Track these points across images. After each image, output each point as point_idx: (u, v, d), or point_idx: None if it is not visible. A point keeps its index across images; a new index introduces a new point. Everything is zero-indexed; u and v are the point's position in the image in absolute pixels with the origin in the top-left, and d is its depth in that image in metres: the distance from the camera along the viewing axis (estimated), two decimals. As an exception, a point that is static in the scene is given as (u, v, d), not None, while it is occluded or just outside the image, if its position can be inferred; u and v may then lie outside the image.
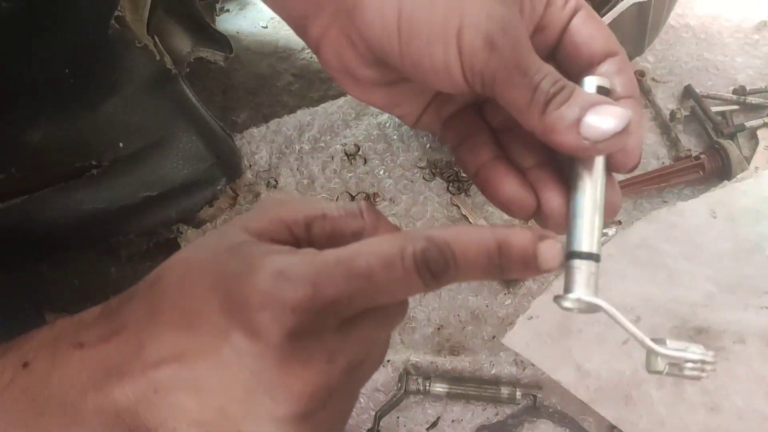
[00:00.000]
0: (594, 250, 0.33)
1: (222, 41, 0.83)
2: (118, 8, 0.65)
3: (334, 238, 0.34)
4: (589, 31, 0.37)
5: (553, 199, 0.36)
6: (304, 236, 0.34)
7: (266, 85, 1.01)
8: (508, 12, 0.34)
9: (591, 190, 0.34)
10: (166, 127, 0.71)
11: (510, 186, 0.37)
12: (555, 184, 0.36)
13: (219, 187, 0.77)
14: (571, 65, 0.38)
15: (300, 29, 0.39)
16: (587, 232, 0.33)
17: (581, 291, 0.33)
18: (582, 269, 0.33)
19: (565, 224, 0.35)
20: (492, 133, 0.40)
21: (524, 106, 0.33)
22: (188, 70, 0.75)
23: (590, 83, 0.35)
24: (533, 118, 0.33)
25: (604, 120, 0.32)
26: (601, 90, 0.35)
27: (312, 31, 0.38)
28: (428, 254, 0.30)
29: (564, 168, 0.37)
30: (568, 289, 0.33)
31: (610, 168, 0.36)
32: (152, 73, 0.69)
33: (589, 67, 0.37)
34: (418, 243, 0.30)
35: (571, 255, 0.34)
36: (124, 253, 0.84)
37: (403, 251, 0.30)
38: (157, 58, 0.68)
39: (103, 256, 0.85)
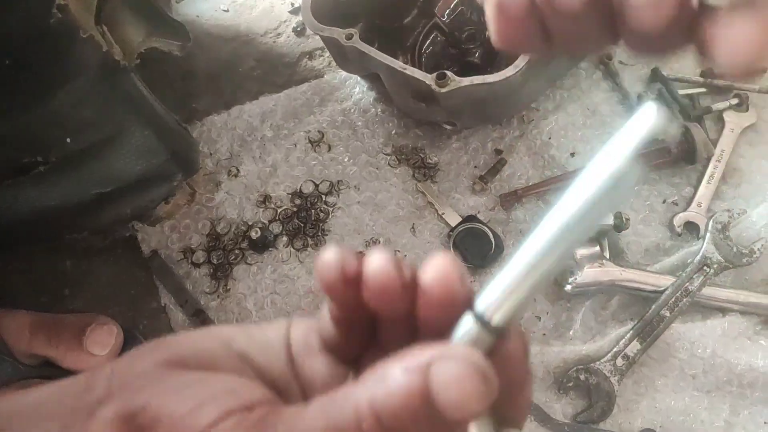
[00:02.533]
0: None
1: (179, 30, 0.80)
2: (61, -4, 0.62)
3: None
4: None
5: None
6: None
7: (228, 71, 0.99)
8: None
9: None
10: (117, 121, 0.68)
11: None
12: None
13: (175, 183, 0.75)
14: None
15: None
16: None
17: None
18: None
19: None
20: None
21: None
22: (138, 61, 0.72)
23: None
24: None
25: None
26: None
27: None
28: None
29: None
30: None
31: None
32: (99, 65, 0.66)
33: None
34: None
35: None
36: (79, 248, 0.82)
37: None
38: (104, 49, 0.65)
39: (58, 250, 0.84)
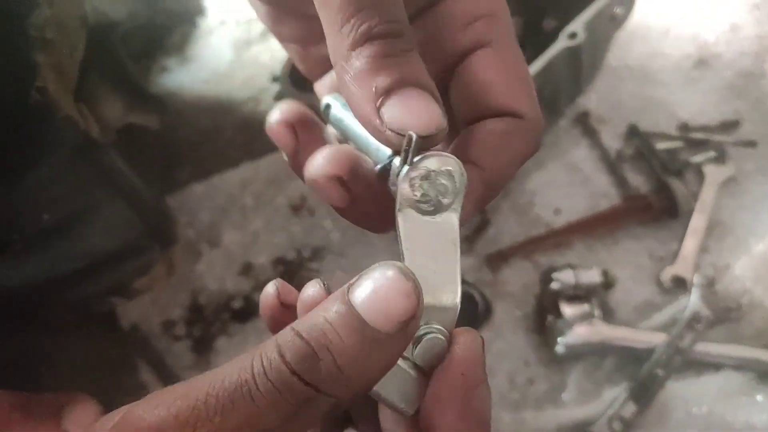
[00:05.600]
0: None
1: (157, 104, 0.81)
2: (39, 78, 0.63)
3: None
4: (488, 75, 0.31)
5: None
6: None
7: (209, 140, 0.99)
8: None
9: None
10: (92, 197, 0.67)
11: None
12: None
13: (152, 256, 0.74)
14: (461, 106, 0.32)
15: None
16: None
17: None
18: None
19: None
20: None
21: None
22: (116, 136, 0.72)
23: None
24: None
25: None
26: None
27: None
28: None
29: None
30: None
31: None
32: (76, 142, 0.66)
33: (477, 117, 0.31)
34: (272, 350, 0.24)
35: None
36: (56, 326, 0.80)
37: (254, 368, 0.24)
38: (82, 127, 0.65)
39: (34, 327, 0.81)
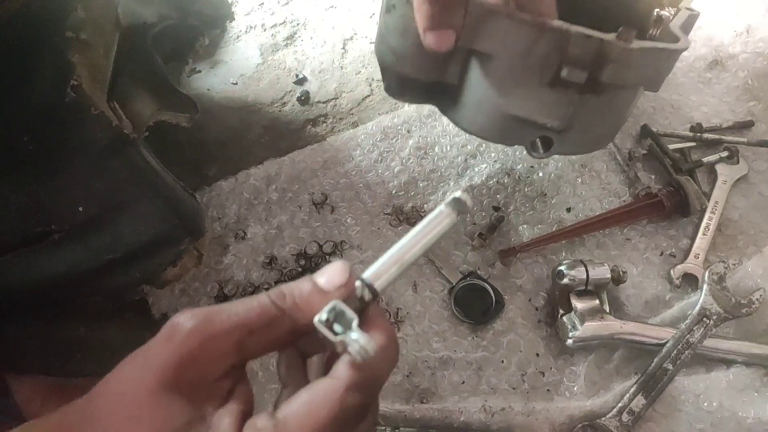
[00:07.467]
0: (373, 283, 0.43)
1: (188, 103, 0.85)
2: (74, 77, 0.67)
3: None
4: None
5: None
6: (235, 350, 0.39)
7: (237, 138, 1.03)
8: None
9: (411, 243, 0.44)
10: (125, 190, 0.72)
11: None
12: None
13: (182, 248, 0.78)
14: None
15: None
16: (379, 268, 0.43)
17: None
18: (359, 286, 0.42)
19: None
20: None
21: None
22: (147, 133, 0.77)
23: None
24: None
25: None
26: None
27: None
28: None
29: None
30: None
31: None
32: (109, 138, 0.70)
33: None
34: None
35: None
36: (91, 313, 0.85)
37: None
38: (114, 124, 0.70)
39: (69, 314, 0.86)
